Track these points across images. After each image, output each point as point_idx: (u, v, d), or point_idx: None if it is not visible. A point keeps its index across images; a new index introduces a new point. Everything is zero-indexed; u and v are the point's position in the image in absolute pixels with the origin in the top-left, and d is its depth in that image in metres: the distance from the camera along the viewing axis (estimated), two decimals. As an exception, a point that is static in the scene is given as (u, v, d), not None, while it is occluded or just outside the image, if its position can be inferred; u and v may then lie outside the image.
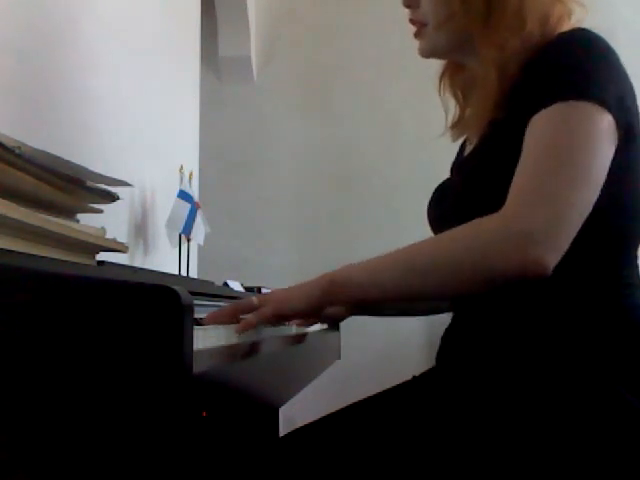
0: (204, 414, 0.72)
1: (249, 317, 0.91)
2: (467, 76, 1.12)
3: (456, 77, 1.15)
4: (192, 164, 2.62)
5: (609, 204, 0.91)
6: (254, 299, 0.95)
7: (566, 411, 0.87)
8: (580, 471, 0.85)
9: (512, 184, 0.88)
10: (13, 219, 0.87)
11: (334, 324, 1.60)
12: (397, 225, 3.51)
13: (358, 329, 2.54)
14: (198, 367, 0.67)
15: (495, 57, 0.98)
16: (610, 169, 0.90)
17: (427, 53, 1.09)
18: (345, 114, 3.82)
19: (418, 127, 3.66)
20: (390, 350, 3.52)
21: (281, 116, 3.88)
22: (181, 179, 2.15)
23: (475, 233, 0.88)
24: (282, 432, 1.93)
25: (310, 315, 0.98)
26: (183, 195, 2.10)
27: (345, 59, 3.84)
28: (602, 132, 0.88)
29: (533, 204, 0.85)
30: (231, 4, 3.48)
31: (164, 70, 2.31)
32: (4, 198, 0.87)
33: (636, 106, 0.95)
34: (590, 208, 0.87)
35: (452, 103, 1.16)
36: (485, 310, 0.99)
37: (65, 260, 1.02)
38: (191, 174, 2.25)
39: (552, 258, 0.84)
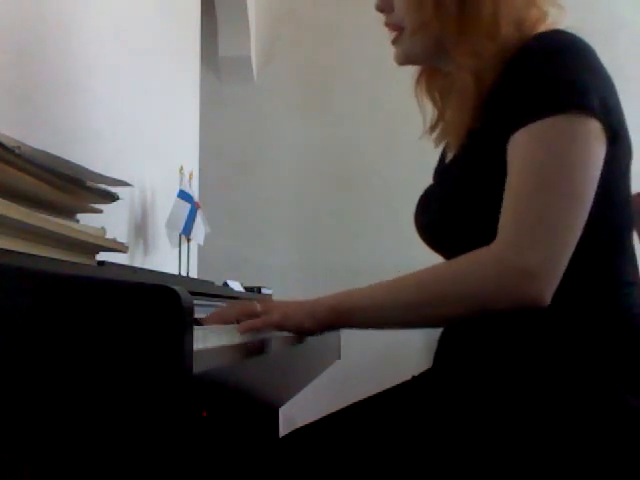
0: (204, 414, 0.72)
1: (255, 320, 0.93)
2: (444, 80, 1.10)
3: (433, 81, 1.13)
4: (192, 164, 2.62)
5: (602, 205, 0.90)
6: (257, 305, 0.96)
7: (565, 411, 0.87)
8: (580, 471, 0.85)
9: (503, 214, 0.88)
10: (13, 219, 0.87)
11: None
12: (397, 225, 3.50)
13: (358, 330, 2.54)
14: (198, 367, 0.67)
15: (471, 64, 0.97)
16: (607, 169, 0.90)
17: (402, 60, 1.07)
18: (345, 114, 3.82)
19: (418, 127, 3.65)
20: (390, 350, 3.52)
21: (281, 116, 3.87)
22: (181, 179, 2.15)
23: (471, 268, 0.89)
24: (282, 432, 1.93)
25: (309, 335, 1.00)
26: (183, 195, 2.10)
27: (345, 59, 3.84)
28: (590, 142, 0.88)
29: (529, 240, 0.85)
30: (231, 4, 3.48)
31: (164, 70, 2.31)
32: (4, 198, 0.87)
33: (617, 103, 0.94)
34: (583, 224, 0.87)
35: (430, 107, 1.15)
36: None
37: (65, 260, 1.02)
38: (191, 174, 2.25)
39: (550, 292, 0.85)
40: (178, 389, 0.63)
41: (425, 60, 1.09)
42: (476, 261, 0.88)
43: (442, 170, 1.12)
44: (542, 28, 0.98)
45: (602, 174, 0.90)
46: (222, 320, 0.93)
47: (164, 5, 2.32)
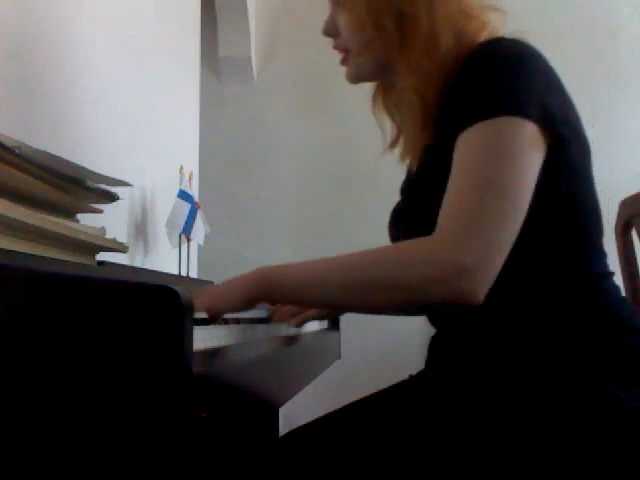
0: (204, 414, 0.72)
1: None
2: (398, 96, 1.11)
3: (388, 97, 1.15)
4: (192, 164, 2.62)
5: (568, 207, 0.92)
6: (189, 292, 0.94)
7: (555, 409, 0.88)
8: (572, 468, 0.85)
9: (442, 207, 0.89)
10: (13, 219, 0.88)
11: (334, 324, 1.60)
12: (397, 225, 3.51)
13: (358, 329, 2.55)
14: (198, 367, 0.67)
15: (414, 84, 0.98)
16: (558, 171, 0.91)
17: (353, 79, 1.10)
18: (345, 114, 3.82)
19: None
20: (390, 350, 3.52)
21: (281, 116, 3.87)
22: (181, 179, 2.15)
23: (408, 259, 0.88)
24: (282, 432, 1.93)
25: (244, 309, 0.97)
26: (183, 195, 2.10)
27: (345, 59, 3.84)
28: (524, 144, 0.88)
29: (462, 237, 0.85)
30: (231, 4, 3.48)
31: (164, 70, 2.31)
32: (4, 198, 0.87)
33: (566, 105, 0.95)
34: (519, 227, 0.87)
35: (387, 122, 1.16)
36: (468, 318, 0.99)
37: (65, 260, 1.02)
38: (191, 174, 2.25)
39: (483, 289, 0.85)
40: (178, 389, 0.63)
41: (375, 77, 1.11)
42: (414, 252, 0.88)
43: (407, 186, 1.13)
44: (484, 37, 0.98)
45: (561, 178, 0.92)
46: None
47: (164, 5, 2.32)
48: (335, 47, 1.10)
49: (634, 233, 1.52)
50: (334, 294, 0.91)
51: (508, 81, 0.90)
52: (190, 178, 2.22)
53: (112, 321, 0.64)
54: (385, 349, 3.54)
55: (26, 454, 0.65)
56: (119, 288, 0.65)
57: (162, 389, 0.63)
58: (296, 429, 1.04)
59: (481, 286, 0.85)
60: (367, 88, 1.20)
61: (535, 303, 0.94)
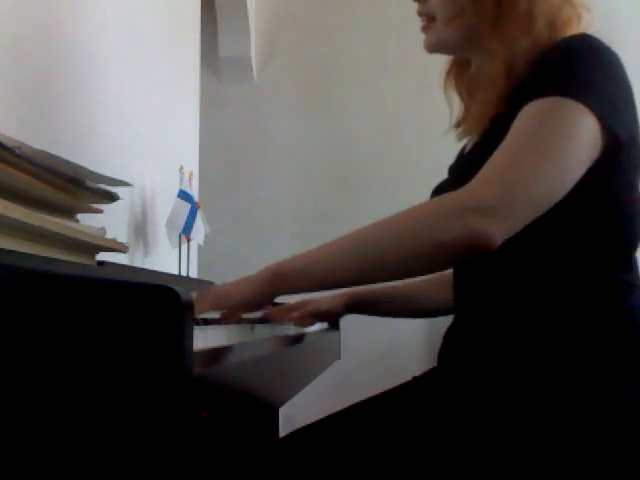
0: (204, 414, 0.72)
1: None
2: (472, 74, 1.11)
3: (461, 75, 1.14)
4: (192, 164, 2.62)
5: (606, 209, 0.92)
6: (193, 294, 0.94)
7: (567, 410, 0.87)
8: (581, 469, 0.85)
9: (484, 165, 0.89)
10: (13, 219, 0.87)
11: (334, 324, 1.60)
12: (397, 225, 3.51)
13: (358, 329, 2.54)
14: (198, 367, 0.67)
15: (504, 53, 0.98)
16: (606, 174, 0.91)
17: (433, 48, 1.08)
18: (345, 114, 3.82)
19: (418, 127, 3.66)
20: (390, 350, 3.52)
21: (281, 116, 3.87)
22: (181, 179, 2.14)
23: (427, 207, 0.90)
24: (282, 432, 1.93)
25: (253, 308, 0.97)
26: (183, 195, 2.10)
27: (345, 59, 3.84)
28: (582, 131, 0.88)
29: (489, 181, 0.86)
30: (231, 4, 3.47)
31: (164, 70, 2.31)
32: (4, 198, 0.87)
33: (633, 116, 0.95)
34: (557, 196, 0.87)
35: (456, 101, 1.16)
36: (487, 309, 0.99)
37: (65, 260, 1.02)
38: (191, 174, 2.24)
39: (498, 231, 0.84)
40: (178, 389, 0.63)
41: (455, 49, 1.10)
42: (436, 201, 0.89)
43: (459, 162, 1.12)
44: (573, 30, 0.99)
45: (608, 182, 0.92)
46: None
47: (164, 5, 2.32)
48: (419, 12, 1.08)
49: None
50: (352, 263, 0.90)
51: (587, 72, 0.91)
52: (190, 178, 2.22)
53: (112, 321, 0.64)
54: (385, 349, 3.54)
55: (25, 454, 0.65)
56: (119, 288, 0.65)
57: (162, 389, 0.63)
58: (297, 429, 1.04)
59: (497, 228, 0.84)
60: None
61: (556, 300, 0.93)
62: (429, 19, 1.06)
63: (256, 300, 0.93)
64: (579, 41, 0.96)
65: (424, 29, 1.08)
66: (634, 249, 1.00)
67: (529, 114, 0.90)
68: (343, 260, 0.91)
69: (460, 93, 1.15)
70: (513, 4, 0.99)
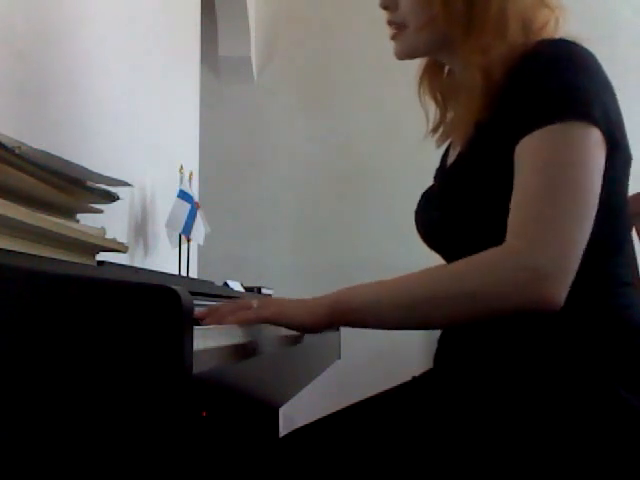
0: (204, 414, 0.72)
1: (248, 312, 0.92)
2: (447, 79, 1.11)
3: (436, 80, 1.13)
4: (192, 164, 2.62)
5: (601, 210, 0.91)
6: (255, 301, 0.95)
7: (564, 411, 0.87)
8: (579, 470, 0.85)
9: (513, 213, 0.89)
10: (13, 219, 0.87)
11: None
12: (397, 225, 3.51)
13: (358, 329, 2.54)
14: (198, 367, 0.67)
15: (479, 61, 0.97)
16: (606, 175, 0.91)
17: (403, 55, 1.07)
18: (345, 114, 3.82)
19: (418, 127, 3.65)
20: (390, 350, 3.52)
21: (281, 116, 3.87)
22: (181, 179, 2.15)
23: (485, 268, 0.88)
24: (282, 432, 1.93)
25: (308, 332, 0.99)
26: (183, 195, 2.10)
27: (345, 59, 3.84)
28: (593, 150, 0.89)
29: (540, 240, 0.85)
30: (231, 4, 3.48)
31: (164, 70, 2.31)
32: (4, 198, 0.87)
33: (618, 112, 0.95)
34: (591, 229, 0.88)
35: (432, 106, 1.15)
36: None
37: (65, 260, 1.02)
38: (191, 174, 2.25)
39: (563, 294, 0.85)
40: (178, 389, 0.63)
41: (428, 54, 1.09)
42: (492, 260, 0.87)
43: (444, 170, 1.12)
44: (547, 33, 0.99)
45: (606, 181, 0.91)
46: (218, 316, 0.92)
47: (164, 5, 2.32)
48: (389, 21, 1.07)
49: (634, 233, 1.52)
50: (407, 312, 0.91)
51: (572, 83, 0.91)
52: (190, 178, 2.22)
53: (112, 321, 0.64)
54: (385, 349, 3.54)
55: (25, 455, 0.65)
56: (119, 288, 0.65)
57: (162, 389, 0.63)
58: (297, 429, 1.04)
59: (561, 290, 0.85)
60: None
61: None
62: (399, 27, 1.06)
63: (313, 329, 0.95)
64: (559, 49, 0.94)
65: (394, 37, 1.07)
66: (626, 246, 1.00)
67: (542, 150, 0.89)
68: (397, 315, 0.92)
69: (435, 98, 1.14)
70: (484, 8, 0.98)
